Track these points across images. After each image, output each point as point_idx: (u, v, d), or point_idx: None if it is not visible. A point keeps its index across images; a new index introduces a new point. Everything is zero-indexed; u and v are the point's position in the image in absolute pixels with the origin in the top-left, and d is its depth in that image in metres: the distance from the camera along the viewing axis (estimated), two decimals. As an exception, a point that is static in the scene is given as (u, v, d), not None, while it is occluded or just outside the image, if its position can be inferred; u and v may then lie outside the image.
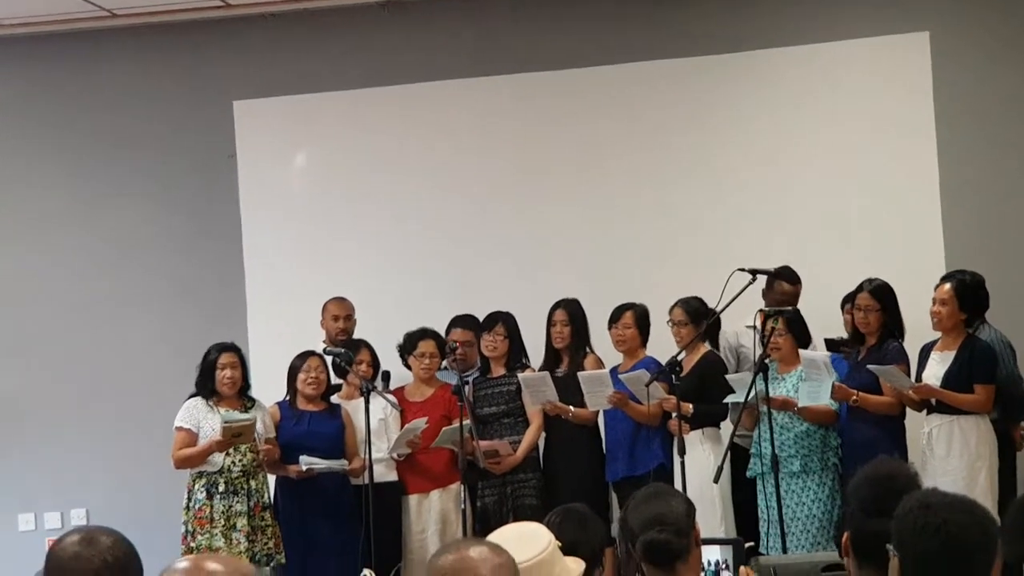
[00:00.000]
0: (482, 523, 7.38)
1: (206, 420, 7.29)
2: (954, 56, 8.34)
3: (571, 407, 7.49)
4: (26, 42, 9.12)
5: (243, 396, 7.46)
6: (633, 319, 7.57)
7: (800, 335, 7.34)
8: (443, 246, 8.77)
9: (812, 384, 7.08)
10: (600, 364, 7.62)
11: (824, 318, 7.63)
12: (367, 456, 7.29)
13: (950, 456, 6.87)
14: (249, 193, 9.02)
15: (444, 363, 7.79)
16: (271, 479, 7.53)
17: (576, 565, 3.15)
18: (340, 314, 8.15)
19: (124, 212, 9.14)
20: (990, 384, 6.91)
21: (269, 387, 7.79)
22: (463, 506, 7.36)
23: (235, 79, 9.05)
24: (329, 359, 7.70)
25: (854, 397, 7.01)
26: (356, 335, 8.03)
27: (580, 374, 7.43)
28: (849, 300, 7.49)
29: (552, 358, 7.75)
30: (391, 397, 7.67)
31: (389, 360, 7.90)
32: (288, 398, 7.63)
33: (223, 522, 7.17)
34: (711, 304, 7.27)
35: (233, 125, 9.02)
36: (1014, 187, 8.31)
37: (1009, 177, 8.32)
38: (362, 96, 8.94)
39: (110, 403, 8.98)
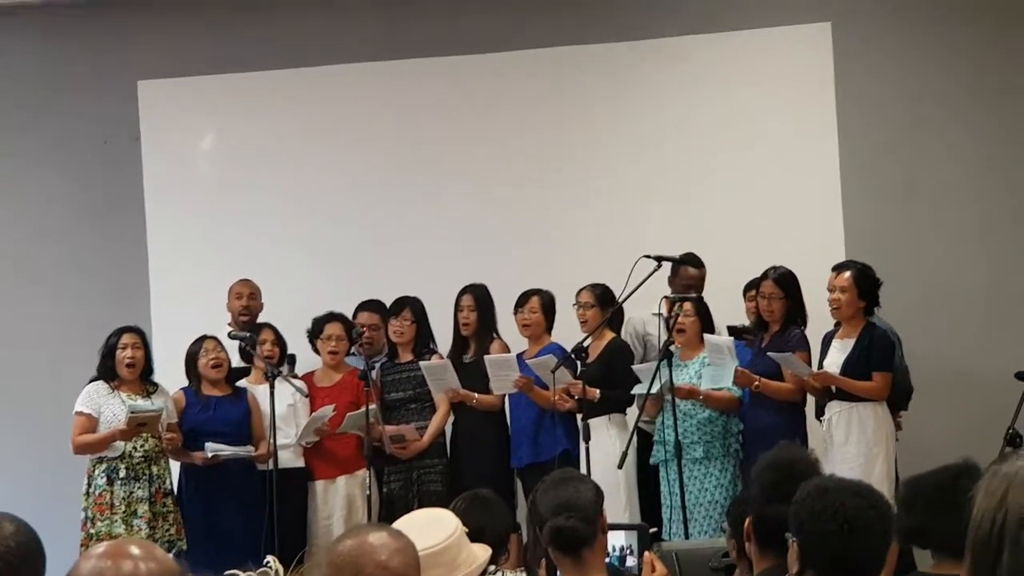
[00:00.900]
0: (387, 509, 7.38)
1: (107, 405, 7.21)
2: (854, 46, 8.46)
3: (475, 394, 7.51)
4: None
5: (145, 380, 7.38)
6: (539, 304, 7.60)
7: (705, 322, 7.42)
8: (350, 230, 8.74)
9: (715, 369, 7.16)
10: (506, 349, 7.64)
11: (726, 305, 7.71)
12: (272, 442, 7.25)
13: (848, 443, 6.98)
14: (153, 175, 8.90)
15: (352, 348, 7.77)
16: (174, 465, 7.47)
17: (483, 552, 3.16)
18: (243, 292, 8.11)
19: (25, 193, 8.99)
20: (888, 372, 7.03)
21: (174, 374, 7.70)
22: (368, 492, 7.36)
23: (140, 58, 8.93)
24: (235, 343, 7.65)
25: (756, 383, 7.10)
26: (264, 320, 7.97)
27: (486, 357, 7.45)
28: (752, 287, 7.59)
29: (459, 343, 7.76)
30: (298, 383, 7.63)
31: (298, 346, 7.85)
32: (192, 385, 7.55)
33: (124, 508, 7.09)
34: (617, 292, 7.30)
35: (137, 106, 8.90)
36: (912, 175, 8.46)
37: (907, 165, 8.47)
38: (269, 78, 8.86)
39: (8, 386, 8.84)
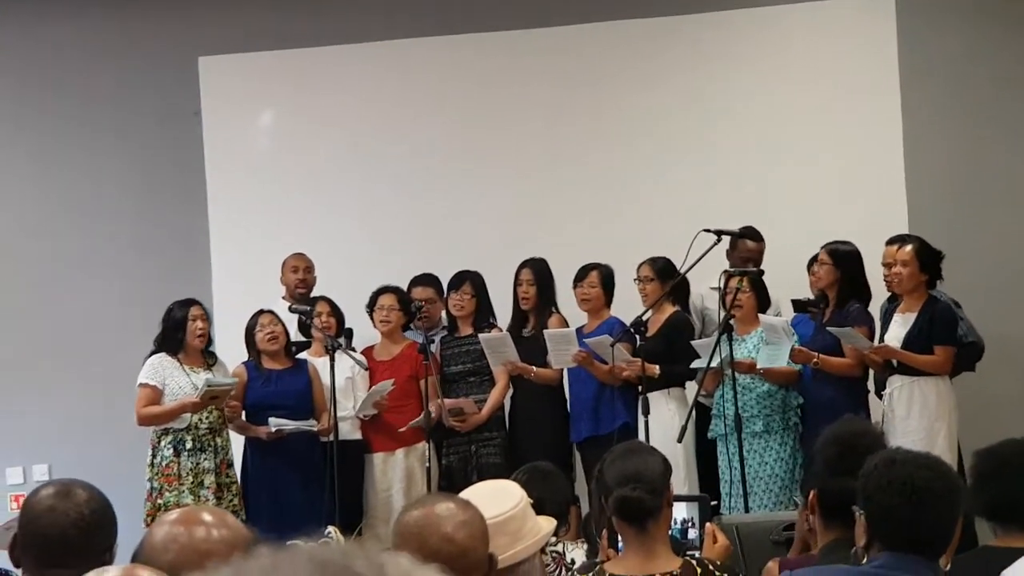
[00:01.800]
0: (447, 481, 7.41)
1: (172, 377, 7.26)
2: (918, 15, 8.37)
3: (533, 367, 7.52)
4: (-15, -4, 9.03)
5: (205, 353, 7.45)
6: (598, 278, 7.59)
7: (761, 296, 7.40)
8: (407, 205, 8.76)
9: (771, 348, 7.14)
10: (565, 324, 7.64)
11: (789, 279, 7.67)
12: (332, 415, 7.31)
13: (910, 417, 6.93)
14: (214, 150, 8.96)
15: (411, 323, 7.80)
16: (237, 437, 7.54)
17: (547, 523, 3.17)
18: (299, 265, 8.17)
19: (87, 170, 9.07)
20: (951, 346, 6.98)
21: (233, 347, 7.78)
22: (428, 464, 7.40)
23: (201, 34, 8.98)
24: (294, 317, 7.71)
25: (815, 359, 7.07)
26: (322, 294, 8.02)
27: (546, 332, 7.45)
28: (814, 261, 7.54)
29: (519, 317, 7.77)
30: (358, 356, 7.66)
31: (357, 320, 7.89)
32: (252, 359, 7.61)
33: (191, 479, 7.16)
34: (678, 267, 7.27)
35: (198, 81, 8.96)
36: (978, 147, 8.38)
37: (973, 137, 8.38)
38: (328, 54, 8.89)
39: (72, 359, 8.93)
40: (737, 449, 6.94)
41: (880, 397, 7.15)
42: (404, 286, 7.89)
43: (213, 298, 8.51)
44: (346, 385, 7.57)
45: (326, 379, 7.45)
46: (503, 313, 7.85)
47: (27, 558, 2.90)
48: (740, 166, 8.45)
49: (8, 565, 3.04)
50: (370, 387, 7.59)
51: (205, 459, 7.21)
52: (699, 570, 3.54)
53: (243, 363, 7.61)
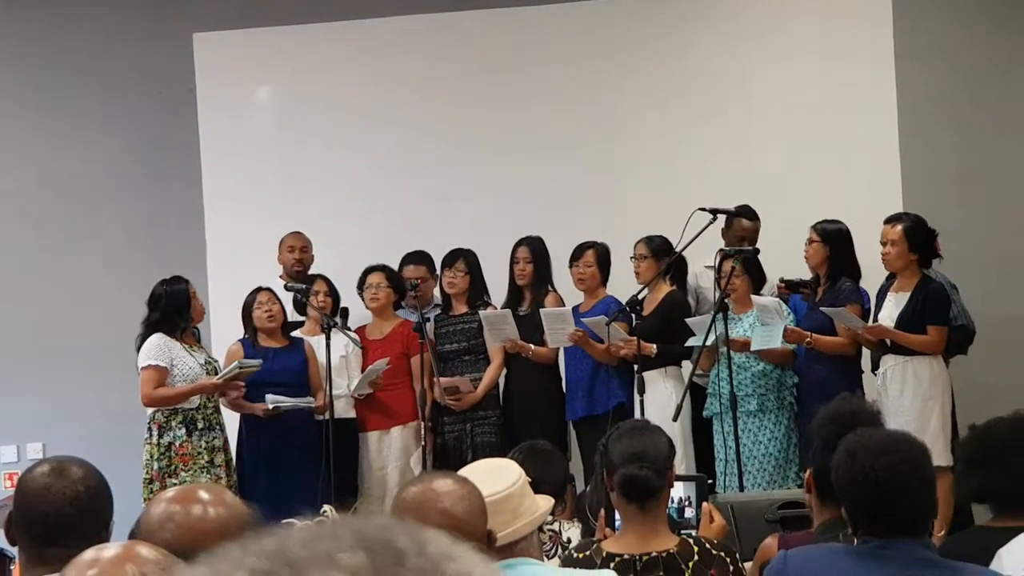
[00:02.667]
0: (441, 460, 7.41)
1: (179, 358, 7.19)
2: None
3: (531, 345, 7.51)
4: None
5: (195, 330, 7.45)
6: (594, 257, 7.58)
7: (756, 276, 7.40)
8: (404, 183, 8.73)
9: (764, 329, 7.14)
10: (561, 302, 7.63)
11: (785, 258, 7.66)
12: (327, 393, 7.31)
13: (903, 396, 6.95)
14: (208, 127, 8.92)
15: (403, 301, 7.80)
16: (229, 415, 7.54)
17: (545, 502, 3.18)
18: (296, 245, 8.15)
19: (80, 147, 9.03)
20: (943, 325, 6.98)
21: (229, 325, 7.76)
22: (423, 443, 7.40)
23: (195, 11, 8.94)
24: (290, 295, 7.70)
25: (808, 339, 7.07)
26: (318, 273, 8.00)
27: (542, 311, 7.45)
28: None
29: (514, 295, 7.77)
30: (353, 334, 7.66)
31: (352, 300, 7.89)
32: (248, 336, 7.60)
33: (204, 458, 7.16)
34: (675, 246, 7.27)
35: (193, 58, 8.92)
36: (973, 127, 8.37)
37: (968, 117, 8.37)
38: (324, 30, 8.86)
39: (66, 338, 8.91)
40: (732, 428, 6.95)
41: (875, 374, 7.16)
42: (396, 263, 7.88)
43: (208, 276, 8.49)
44: (340, 364, 7.57)
45: (321, 357, 7.44)
46: (497, 292, 7.84)
47: (23, 536, 2.89)
48: (736, 146, 8.44)
49: (4, 544, 3.03)
50: (364, 366, 7.58)
51: (215, 438, 7.20)
52: (696, 548, 3.54)
53: (239, 340, 7.60)
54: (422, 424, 7.44)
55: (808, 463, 3.93)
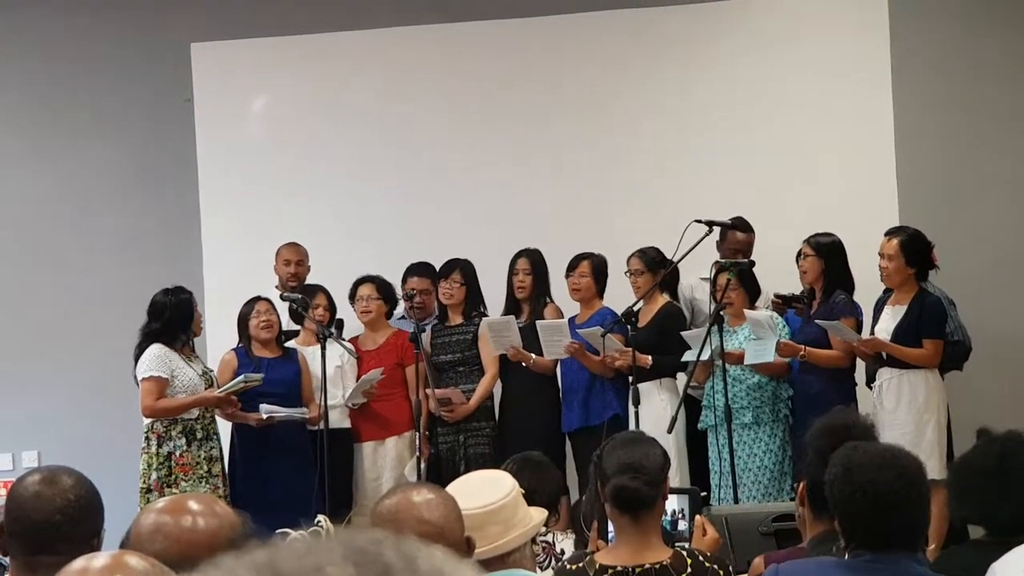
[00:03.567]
0: (434, 471, 7.41)
1: (179, 369, 7.19)
2: (910, 7, 8.37)
3: (532, 355, 7.50)
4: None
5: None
6: (590, 268, 7.58)
7: (751, 289, 7.40)
8: (400, 194, 8.73)
9: (758, 343, 7.13)
10: (560, 314, 7.63)
11: (780, 271, 7.66)
12: (323, 403, 7.30)
13: (898, 409, 6.94)
14: (206, 137, 8.92)
15: (403, 312, 7.79)
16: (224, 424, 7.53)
17: (539, 514, 3.18)
18: (292, 258, 8.13)
19: (78, 156, 9.02)
20: (939, 339, 6.98)
21: (224, 335, 7.75)
22: (417, 453, 7.40)
23: (193, 21, 8.95)
24: (285, 305, 7.69)
25: (802, 352, 7.07)
26: (317, 284, 7.99)
27: (539, 322, 7.44)
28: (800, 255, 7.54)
29: (513, 307, 7.76)
30: (348, 344, 7.66)
31: (347, 311, 7.89)
32: (242, 345, 7.59)
33: (203, 468, 7.15)
34: (669, 255, 7.28)
35: (190, 68, 8.93)
36: (970, 138, 8.37)
37: (964, 128, 8.37)
38: (322, 41, 8.85)
39: (62, 347, 8.90)
40: (727, 440, 6.94)
41: (870, 388, 7.16)
42: (396, 276, 7.87)
43: (204, 286, 8.49)
44: (335, 374, 7.56)
45: (315, 368, 7.44)
46: (494, 304, 7.83)
47: (14, 545, 2.89)
48: (731, 157, 8.44)
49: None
50: (359, 376, 7.58)
51: (213, 448, 7.20)
52: (689, 561, 3.54)
53: (233, 349, 7.60)
54: (418, 434, 7.43)
55: (802, 475, 3.92)
